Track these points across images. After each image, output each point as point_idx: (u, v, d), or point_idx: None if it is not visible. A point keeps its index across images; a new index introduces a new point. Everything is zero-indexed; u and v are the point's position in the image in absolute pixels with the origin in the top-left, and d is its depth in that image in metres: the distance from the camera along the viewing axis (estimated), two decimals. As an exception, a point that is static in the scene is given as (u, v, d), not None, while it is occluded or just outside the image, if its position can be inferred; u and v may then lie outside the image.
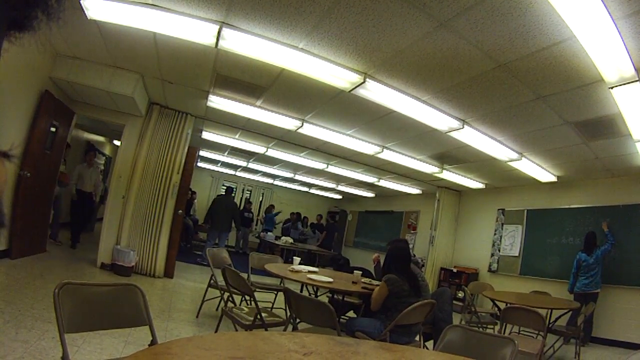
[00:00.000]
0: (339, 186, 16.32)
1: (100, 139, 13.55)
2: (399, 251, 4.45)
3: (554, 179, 8.52)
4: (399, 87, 5.38)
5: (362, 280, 5.26)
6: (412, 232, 14.34)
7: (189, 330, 5.11)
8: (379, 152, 8.76)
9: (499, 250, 10.24)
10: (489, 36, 3.83)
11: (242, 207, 15.71)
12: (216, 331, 4.71)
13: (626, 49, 3.48)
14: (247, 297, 5.06)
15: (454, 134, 6.58)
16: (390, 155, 8.96)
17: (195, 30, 4.58)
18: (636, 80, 3.98)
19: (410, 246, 10.26)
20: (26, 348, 3.43)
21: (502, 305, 5.38)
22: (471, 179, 10.26)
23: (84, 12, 4.47)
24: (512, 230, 10.02)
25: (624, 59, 3.65)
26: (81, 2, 4.30)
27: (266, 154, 11.45)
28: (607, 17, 3.09)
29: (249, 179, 18.69)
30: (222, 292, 5.29)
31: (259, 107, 7.29)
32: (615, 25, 3.19)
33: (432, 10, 3.59)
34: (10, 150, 0.60)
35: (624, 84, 4.09)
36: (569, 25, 3.29)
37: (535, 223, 9.49)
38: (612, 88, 4.21)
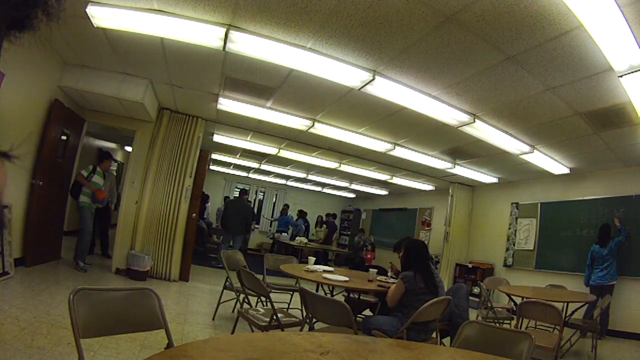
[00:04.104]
0: (352, 185, 16.33)
1: (112, 145, 13.64)
2: (417, 249, 4.44)
3: (566, 171, 8.44)
4: (408, 83, 5.36)
5: (378, 278, 5.24)
6: (427, 228, 14.31)
7: (206, 332, 5.13)
8: (390, 150, 8.74)
9: (514, 245, 10.18)
10: (496, 28, 3.81)
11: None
12: (232, 333, 4.72)
13: (634, 36, 3.44)
14: (263, 298, 5.07)
15: (465, 129, 6.55)
16: (402, 152, 8.94)
17: (203, 34, 4.59)
18: (645, 68, 3.95)
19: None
20: (42, 354, 3.47)
21: (518, 300, 5.35)
22: (484, 173, 10.20)
23: (90, 20, 4.50)
24: (526, 224, 9.95)
25: (632, 47, 3.61)
26: (87, 10, 4.33)
27: (278, 155, 11.47)
28: (613, 4, 3.06)
29: (262, 180, 18.74)
30: (238, 293, 5.30)
31: (269, 108, 7.30)
32: (622, 12, 3.15)
33: (438, 5, 3.58)
34: (10, 150, 0.60)
35: (633, 72, 4.04)
36: (576, 14, 3.26)
37: (550, 216, 9.41)
38: (621, 76, 4.17)
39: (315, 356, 1.71)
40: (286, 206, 17.26)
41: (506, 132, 6.67)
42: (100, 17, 4.48)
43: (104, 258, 8.67)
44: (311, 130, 8.02)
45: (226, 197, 16.85)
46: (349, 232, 19.69)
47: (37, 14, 0.61)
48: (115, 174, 10.00)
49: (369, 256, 13.60)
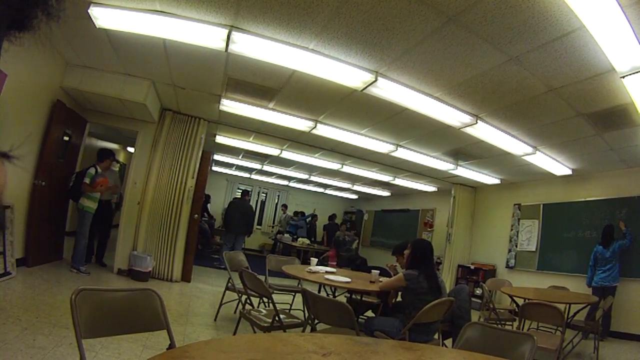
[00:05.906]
0: (355, 186, 16.30)
1: (114, 146, 13.63)
2: (423, 249, 4.44)
3: (569, 172, 8.42)
4: (410, 84, 5.36)
5: (380, 279, 5.24)
6: (429, 229, 14.28)
7: (208, 333, 5.12)
8: (393, 151, 8.73)
9: (516, 246, 10.16)
10: (499, 29, 3.80)
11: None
12: (234, 334, 4.72)
13: (636, 36, 3.43)
14: (265, 299, 5.06)
15: (467, 130, 6.54)
16: (405, 153, 8.94)
17: (205, 35, 4.60)
18: (648, 69, 3.93)
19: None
20: (44, 354, 3.47)
21: (521, 301, 5.34)
22: (486, 174, 10.19)
23: (92, 21, 4.50)
24: (528, 225, 9.94)
25: (635, 48, 3.60)
26: (89, 11, 4.33)
27: (280, 156, 11.48)
28: (615, 5, 3.05)
29: (264, 181, 18.77)
30: (240, 294, 5.29)
31: (272, 109, 7.31)
32: (624, 13, 3.14)
33: (441, 6, 3.58)
34: (10, 150, 0.60)
35: (636, 73, 4.03)
36: (578, 15, 3.25)
37: (552, 217, 9.40)
38: (623, 77, 4.16)
39: (318, 357, 1.70)
40: (284, 207, 17.33)
41: (508, 133, 6.66)
42: (103, 18, 4.48)
43: (98, 265, 8.05)
44: (313, 131, 8.02)
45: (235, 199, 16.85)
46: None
47: (37, 14, 0.61)
48: (117, 173, 9.92)
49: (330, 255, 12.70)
